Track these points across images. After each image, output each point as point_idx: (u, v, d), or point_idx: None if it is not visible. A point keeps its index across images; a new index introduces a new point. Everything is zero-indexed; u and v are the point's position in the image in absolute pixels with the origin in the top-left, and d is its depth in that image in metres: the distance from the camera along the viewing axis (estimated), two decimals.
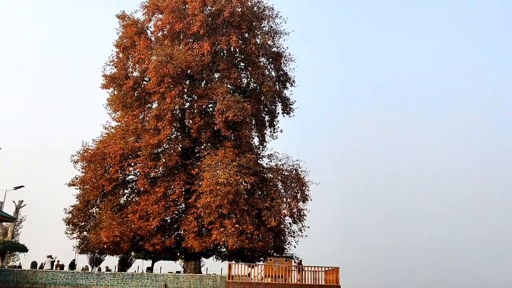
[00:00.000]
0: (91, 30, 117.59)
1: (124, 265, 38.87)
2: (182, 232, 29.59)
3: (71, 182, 31.75)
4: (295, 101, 36.34)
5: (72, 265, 33.59)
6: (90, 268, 34.87)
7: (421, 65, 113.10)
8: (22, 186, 39.98)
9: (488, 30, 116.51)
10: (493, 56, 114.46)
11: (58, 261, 32.48)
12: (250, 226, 28.07)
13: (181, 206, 31.39)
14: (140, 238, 29.07)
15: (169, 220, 32.63)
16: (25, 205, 53.93)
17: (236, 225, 27.66)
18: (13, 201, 52.85)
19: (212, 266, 37.76)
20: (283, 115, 36.46)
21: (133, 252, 35.83)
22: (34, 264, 33.15)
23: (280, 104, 36.42)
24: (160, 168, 30.65)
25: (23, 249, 40.39)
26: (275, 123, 36.41)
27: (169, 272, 31.55)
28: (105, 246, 28.95)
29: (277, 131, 36.37)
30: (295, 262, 30.95)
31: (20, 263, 42.08)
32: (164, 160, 30.15)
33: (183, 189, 30.13)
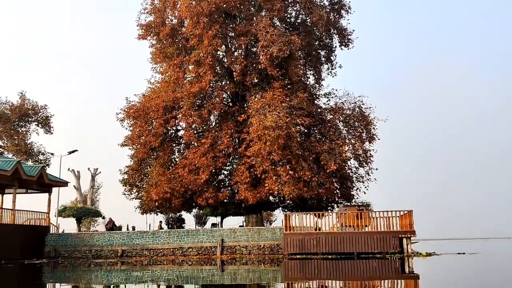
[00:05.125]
0: None
1: (199, 223, 38.02)
2: (234, 184, 27.36)
3: (123, 142, 30.60)
4: (353, 30, 32.07)
5: (182, 221, 34.46)
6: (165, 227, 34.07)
7: None
8: (76, 151, 39.88)
9: None
10: None
11: (108, 222, 32.19)
12: (307, 172, 25.14)
13: (232, 157, 29.14)
14: (192, 193, 27.38)
15: (225, 172, 30.68)
16: (100, 172, 55.29)
17: (291, 172, 24.89)
18: (88, 169, 54.34)
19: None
20: (341, 48, 32.41)
21: (197, 209, 34.29)
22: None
23: (337, 36, 32.31)
24: (206, 118, 28.30)
25: (98, 214, 41.13)
26: (332, 58, 32.50)
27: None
28: (156, 204, 27.67)
29: (335, 67, 32.52)
30: (367, 209, 27.62)
31: (98, 227, 43.01)
32: (208, 108, 27.73)
33: (232, 138, 27.72)
